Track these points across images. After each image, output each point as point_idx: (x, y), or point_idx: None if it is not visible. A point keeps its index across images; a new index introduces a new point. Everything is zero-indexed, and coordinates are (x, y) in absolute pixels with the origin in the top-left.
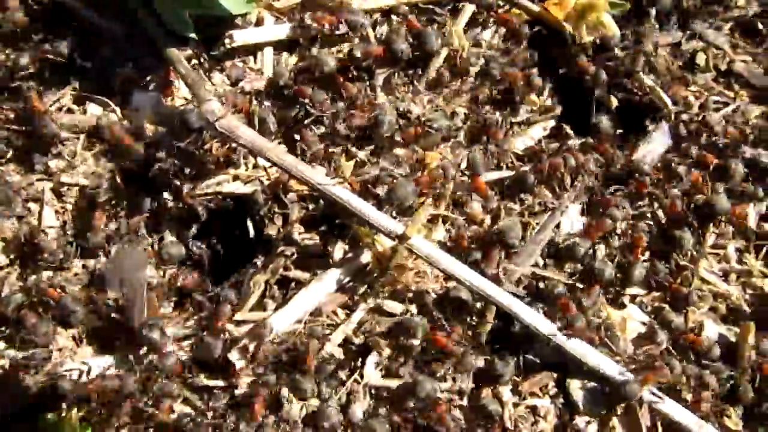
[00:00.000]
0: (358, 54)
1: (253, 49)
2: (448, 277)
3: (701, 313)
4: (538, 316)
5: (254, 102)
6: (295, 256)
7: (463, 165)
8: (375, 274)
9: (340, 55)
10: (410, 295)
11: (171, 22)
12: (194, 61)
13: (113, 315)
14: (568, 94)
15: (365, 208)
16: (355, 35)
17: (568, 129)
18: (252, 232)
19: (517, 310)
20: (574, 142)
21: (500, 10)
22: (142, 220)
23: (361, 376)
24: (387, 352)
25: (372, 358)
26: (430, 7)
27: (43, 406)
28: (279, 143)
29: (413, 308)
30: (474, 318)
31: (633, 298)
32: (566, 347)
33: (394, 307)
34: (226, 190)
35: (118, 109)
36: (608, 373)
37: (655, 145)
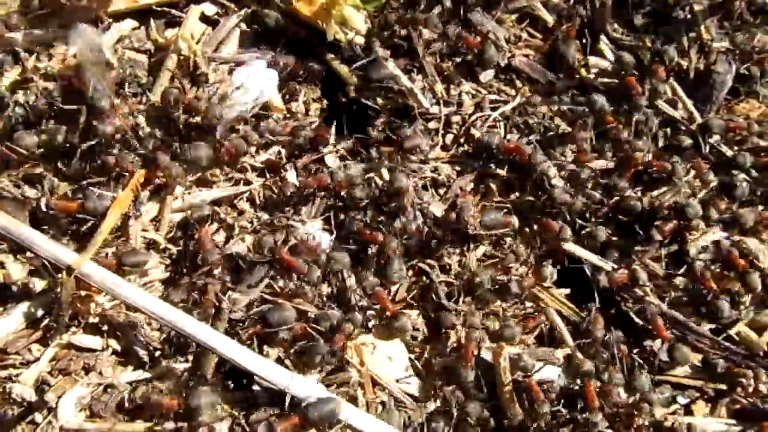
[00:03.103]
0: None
1: None
2: (135, 309)
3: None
4: (239, 348)
5: None
6: None
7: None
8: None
9: None
10: (105, 327)
11: None
12: None
13: None
14: (331, 99)
15: (32, 235)
16: None
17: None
18: None
19: (215, 344)
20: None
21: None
22: None
23: (56, 418)
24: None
25: (68, 399)
26: (166, 9)
27: None
28: None
29: (113, 343)
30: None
31: None
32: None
33: (90, 342)
34: None
35: None
36: None
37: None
